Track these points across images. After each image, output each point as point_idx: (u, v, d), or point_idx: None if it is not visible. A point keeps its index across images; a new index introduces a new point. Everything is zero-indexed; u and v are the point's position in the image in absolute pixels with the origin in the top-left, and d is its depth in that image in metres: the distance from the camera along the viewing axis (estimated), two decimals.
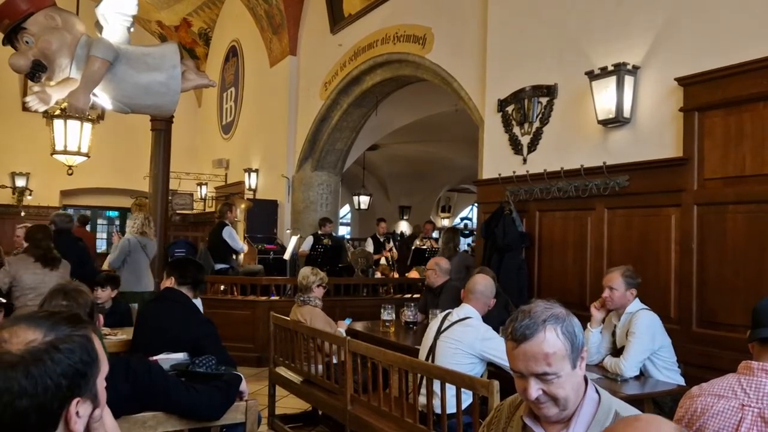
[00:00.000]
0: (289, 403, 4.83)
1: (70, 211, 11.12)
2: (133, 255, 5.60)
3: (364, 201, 14.80)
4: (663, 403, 3.20)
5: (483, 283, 3.32)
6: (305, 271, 4.43)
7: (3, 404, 0.97)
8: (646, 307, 3.37)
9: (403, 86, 8.12)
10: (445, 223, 19.34)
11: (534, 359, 1.43)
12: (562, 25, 4.88)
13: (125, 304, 4.83)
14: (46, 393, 1.00)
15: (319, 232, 8.21)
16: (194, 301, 3.30)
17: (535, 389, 1.43)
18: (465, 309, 3.24)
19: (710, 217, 3.76)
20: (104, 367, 1.13)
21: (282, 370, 4.44)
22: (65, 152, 7.83)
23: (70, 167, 8.37)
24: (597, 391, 1.52)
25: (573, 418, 1.47)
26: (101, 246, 13.25)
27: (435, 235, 10.25)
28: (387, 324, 4.45)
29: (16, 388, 0.98)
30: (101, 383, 1.12)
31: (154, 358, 2.72)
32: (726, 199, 3.67)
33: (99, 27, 4.95)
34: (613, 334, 3.44)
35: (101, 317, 2.39)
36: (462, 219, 20.32)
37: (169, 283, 3.32)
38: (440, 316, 3.34)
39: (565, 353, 1.44)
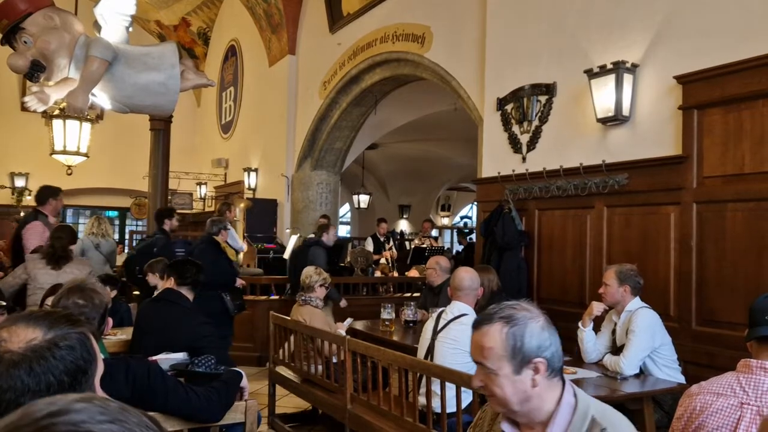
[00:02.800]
0: (289, 403, 4.84)
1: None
2: (87, 253, 6.21)
3: (363, 200, 14.79)
4: (663, 401, 3.20)
5: (468, 277, 3.34)
6: (309, 270, 4.41)
7: (7, 401, 0.98)
8: (646, 305, 3.37)
9: (402, 85, 8.11)
10: (445, 221, 19.35)
11: (476, 347, 1.50)
12: (561, 24, 4.88)
13: (126, 304, 4.84)
14: (50, 390, 1.01)
15: None
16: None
17: (477, 378, 1.50)
18: (457, 306, 3.24)
19: (709, 215, 3.76)
20: (101, 367, 1.13)
21: (282, 370, 4.44)
22: (64, 152, 7.83)
23: (69, 167, 8.37)
24: (575, 395, 1.49)
25: (549, 424, 1.45)
26: None
27: (434, 233, 10.27)
28: (387, 323, 4.44)
29: (20, 386, 0.99)
30: (98, 383, 1.12)
31: (154, 358, 2.72)
32: (725, 197, 3.67)
33: (97, 27, 4.94)
34: (614, 332, 3.45)
35: (110, 320, 2.35)
36: (462, 218, 20.32)
37: (169, 283, 3.33)
38: (434, 315, 3.34)
39: (504, 354, 1.44)
